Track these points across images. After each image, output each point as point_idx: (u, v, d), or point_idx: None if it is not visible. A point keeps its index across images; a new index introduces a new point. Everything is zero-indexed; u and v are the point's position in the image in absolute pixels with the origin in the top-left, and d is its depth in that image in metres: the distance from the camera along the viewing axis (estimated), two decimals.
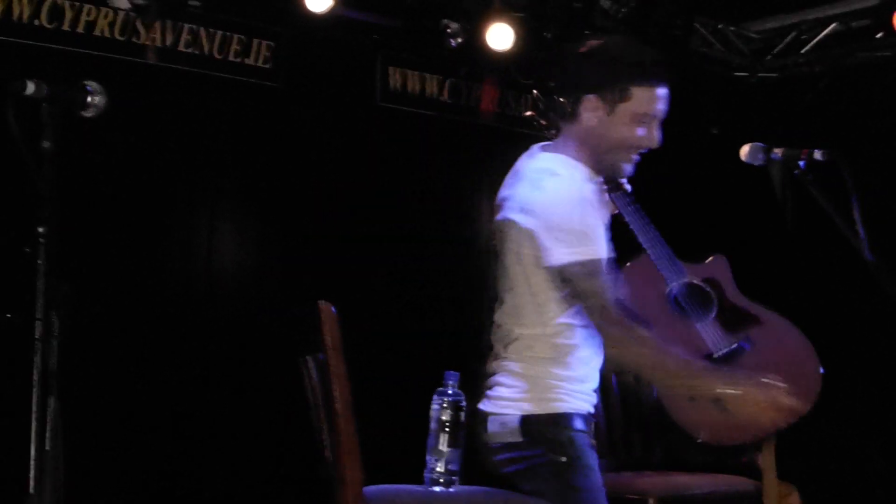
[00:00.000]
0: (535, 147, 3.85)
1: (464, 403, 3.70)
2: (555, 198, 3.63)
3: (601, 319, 3.59)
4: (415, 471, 3.72)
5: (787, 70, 7.61)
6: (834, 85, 7.34)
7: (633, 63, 3.67)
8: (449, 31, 6.75)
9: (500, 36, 6.75)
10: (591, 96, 3.66)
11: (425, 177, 7.10)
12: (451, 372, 3.75)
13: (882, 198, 6.79)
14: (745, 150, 3.89)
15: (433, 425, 3.69)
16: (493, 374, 3.82)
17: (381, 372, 6.26)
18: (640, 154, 3.75)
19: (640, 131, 3.68)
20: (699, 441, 4.10)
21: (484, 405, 3.78)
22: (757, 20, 7.52)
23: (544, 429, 3.65)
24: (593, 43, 3.77)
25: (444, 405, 3.69)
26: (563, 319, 3.67)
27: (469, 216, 7.34)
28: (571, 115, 3.72)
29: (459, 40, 6.77)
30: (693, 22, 7.37)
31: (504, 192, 3.85)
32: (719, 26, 7.56)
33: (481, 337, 3.93)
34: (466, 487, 3.71)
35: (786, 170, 3.82)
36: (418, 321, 6.76)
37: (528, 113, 4.04)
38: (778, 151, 3.83)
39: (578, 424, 3.67)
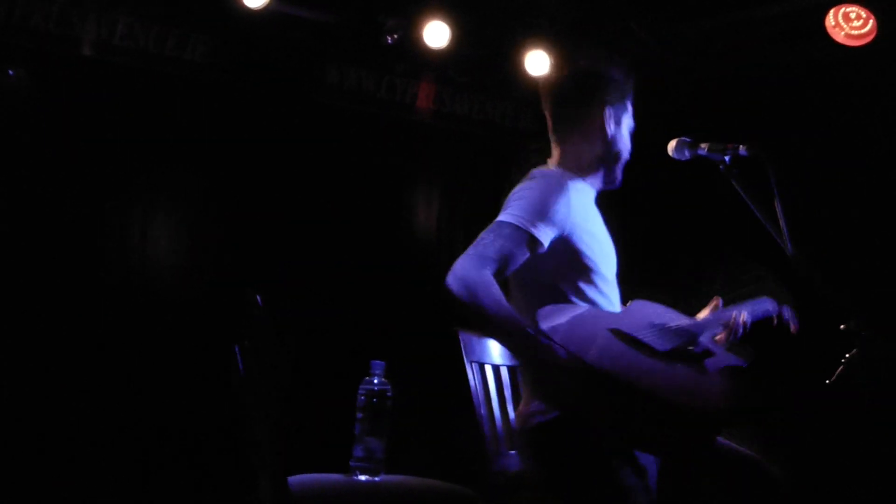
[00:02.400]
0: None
1: (390, 393, 3.72)
2: (522, 186, 3.81)
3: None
4: (341, 459, 3.75)
5: (722, 70, 7.65)
6: (769, 85, 7.40)
7: (604, 81, 3.92)
8: (386, 27, 6.76)
9: (436, 33, 6.76)
10: (570, 116, 3.94)
11: (361, 172, 7.10)
12: (378, 362, 3.78)
13: (813, 196, 6.89)
14: (671, 146, 3.96)
15: (359, 414, 3.72)
16: None
17: (308, 361, 6.29)
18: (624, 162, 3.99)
19: (618, 142, 3.93)
20: None
21: None
22: (693, 21, 7.56)
23: None
24: (568, 66, 4.00)
25: (371, 394, 3.72)
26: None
27: (404, 211, 7.37)
28: (558, 136, 3.97)
29: (396, 37, 6.78)
30: (630, 22, 7.41)
31: None
32: (656, 26, 7.59)
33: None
34: (391, 476, 3.73)
35: (711, 165, 3.88)
36: (346, 311, 6.76)
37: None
38: (704, 146, 3.90)
39: None
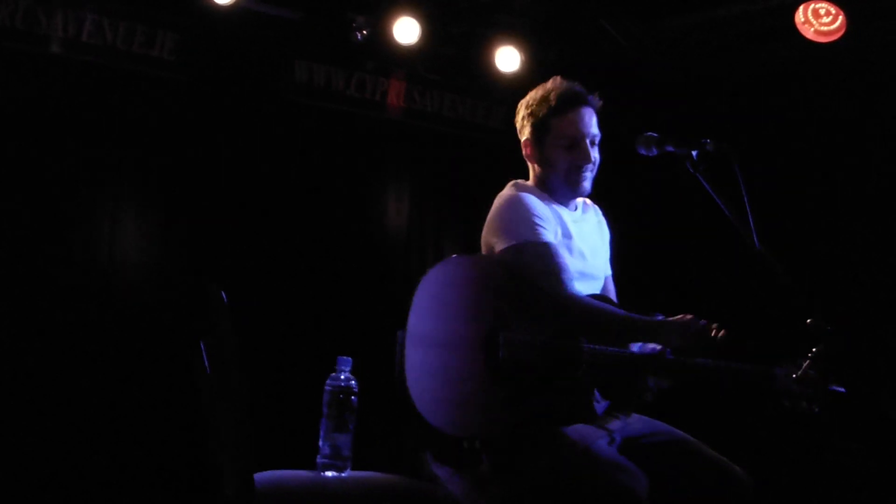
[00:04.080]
0: None
1: (356, 389, 3.71)
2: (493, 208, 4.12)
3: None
4: (307, 456, 3.73)
5: (694, 68, 7.67)
6: (740, 83, 7.42)
7: (543, 99, 4.13)
8: (355, 24, 6.75)
9: (406, 30, 6.76)
10: (526, 139, 4.19)
11: (330, 170, 7.08)
12: (344, 358, 3.76)
13: (782, 191, 6.90)
14: (639, 141, 3.99)
15: (326, 410, 3.70)
16: None
17: (275, 357, 6.30)
18: (588, 171, 4.15)
19: (573, 153, 4.10)
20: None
21: None
22: (664, 18, 7.57)
23: None
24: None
25: (337, 391, 3.70)
26: None
27: (373, 208, 7.36)
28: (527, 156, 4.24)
29: (365, 34, 6.76)
30: (601, 19, 7.41)
31: None
32: (627, 24, 7.59)
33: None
34: (358, 473, 3.72)
35: (678, 160, 3.90)
36: (313, 308, 6.75)
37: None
38: (671, 142, 3.93)
39: None
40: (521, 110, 4.22)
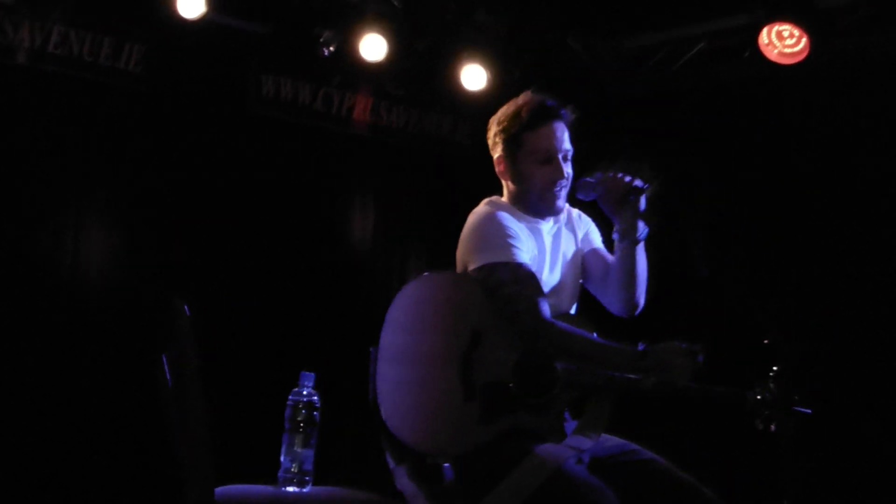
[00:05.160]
0: None
1: (318, 404, 3.71)
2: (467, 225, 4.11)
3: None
4: (269, 471, 3.73)
5: (657, 86, 7.70)
6: (703, 101, 7.46)
7: (514, 115, 4.10)
8: (322, 39, 6.75)
9: (373, 46, 6.76)
10: (499, 156, 4.16)
11: (296, 184, 7.08)
12: (307, 373, 3.77)
13: (740, 210, 6.96)
14: (578, 186, 4.06)
15: (288, 425, 3.70)
16: None
17: (238, 371, 6.29)
18: (562, 188, 4.11)
19: (546, 169, 4.06)
20: None
21: None
22: (629, 36, 7.61)
23: None
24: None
25: (300, 406, 3.71)
26: None
27: (339, 223, 7.36)
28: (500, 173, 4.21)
29: (332, 49, 6.77)
30: (566, 36, 7.44)
31: None
32: (591, 41, 7.63)
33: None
34: (319, 488, 3.72)
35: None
36: (277, 322, 6.75)
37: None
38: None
39: None
40: (493, 127, 4.18)
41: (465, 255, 4.04)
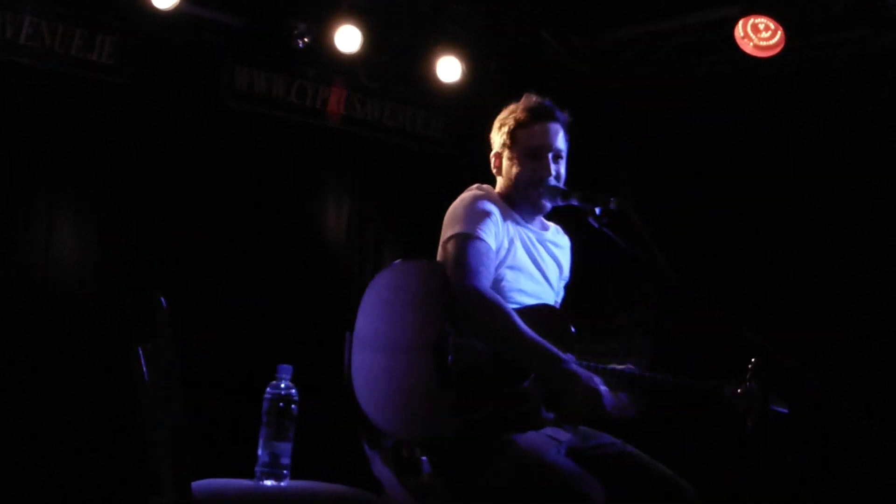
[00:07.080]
0: None
1: (296, 397, 3.69)
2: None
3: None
4: (246, 465, 3.71)
5: (633, 81, 7.71)
6: (679, 95, 7.47)
7: (512, 113, 4.22)
8: (296, 31, 6.73)
9: (347, 38, 6.73)
10: (495, 152, 4.29)
11: (270, 176, 7.05)
12: (285, 366, 3.75)
13: (718, 204, 6.97)
14: (545, 191, 4.14)
15: (265, 419, 3.68)
16: None
17: (215, 364, 6.26)
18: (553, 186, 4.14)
19: (534, 165, 4.14)
20: None
21: None
22: (605, 30, 7.61)
23: None
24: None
25: (277, 399, 3.69)
26: None
27: (313, 215, 7.34)
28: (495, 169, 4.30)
29: (307, 41, 6.74)
30: (541, 31, 7.43)
31: None
32: (567, 35, 7.62)
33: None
34: (297, 482, 3.70)
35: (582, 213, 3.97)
36: (254, 315, 6.71)
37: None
38: (576, 196, 4.03)
39: None
40: (495, 125, 4.30)
41: (442, 233, 4.08)
